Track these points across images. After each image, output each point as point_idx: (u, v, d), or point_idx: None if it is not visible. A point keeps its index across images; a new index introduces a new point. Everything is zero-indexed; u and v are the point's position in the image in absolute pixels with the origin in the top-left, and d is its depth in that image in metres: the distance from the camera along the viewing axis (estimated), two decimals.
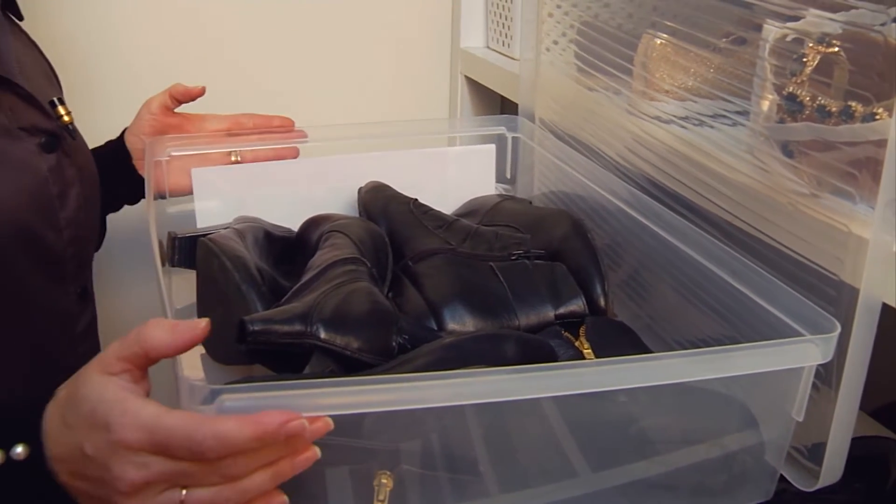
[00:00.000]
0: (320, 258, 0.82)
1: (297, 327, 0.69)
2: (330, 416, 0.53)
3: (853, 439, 0.79)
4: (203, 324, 0.56)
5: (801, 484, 0.69)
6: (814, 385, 0.67)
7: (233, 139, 1.04)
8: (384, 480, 0.57)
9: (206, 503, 0.54)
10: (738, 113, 0.78)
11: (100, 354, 0.59)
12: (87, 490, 0.58)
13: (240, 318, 0.68)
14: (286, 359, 0.74)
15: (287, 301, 0.75)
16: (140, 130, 1.05)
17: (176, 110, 1.06)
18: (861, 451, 0.77)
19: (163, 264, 0.94)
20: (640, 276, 0.91)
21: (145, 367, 0.58)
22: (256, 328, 0.68)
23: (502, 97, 1.36)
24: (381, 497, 0.57)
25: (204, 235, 0.87)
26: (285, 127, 1.07)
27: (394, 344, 0.71)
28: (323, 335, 0.69)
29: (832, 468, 0.67)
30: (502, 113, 1.45)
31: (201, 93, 1.04)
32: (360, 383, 0.52)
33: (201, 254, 0.84)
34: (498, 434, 0.61)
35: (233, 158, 1.05)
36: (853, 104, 0.60)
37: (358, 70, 1.44)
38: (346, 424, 0.58)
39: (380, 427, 0.58)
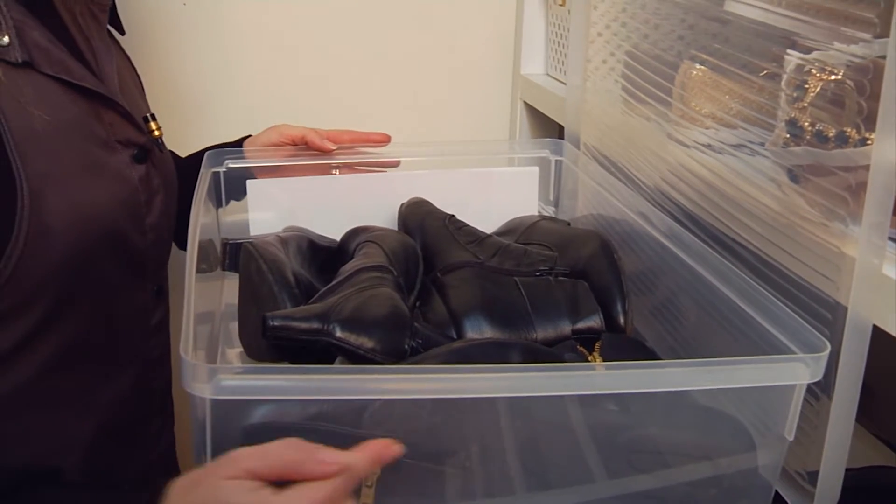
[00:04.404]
0: (350, 265, 0.87)
1: (315, 325, 0.73)
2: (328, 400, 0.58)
3: (863, 469, 0.79)
4: (345, 461, 0.58)
5: None
6: (812, 407, 0.68)
7: (285, 153, 1.11)
8: None
9: None
10: (761, 144, 0.79)
11: (227, 459, 0.60)
12: None
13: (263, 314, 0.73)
14: (311, 357, 0.79)
15: (313, 302, 0.80)
16: (259, 143, 1.14)
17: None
18: (867, 481, 0.77)
19: (212, 269, 1.01)
20: (670, 302, 0.93)
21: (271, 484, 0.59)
22: (276, 324, 0.72)
23: (561, 124, 1.39)
24: (368, 483, 0.60)
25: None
26: (379, 142, 1.14)
27: (406, 347, 0.75)
28: (338, 334, 0.73)
29: (828, 491, 0.67)
30: (560, 139, 1.48)
31: (328, 152, 1.11)
32: (336, 371, 0.56)
33: (243, 257, 0.90)
34: (487, 432, 0.64)
35: (333, 172, 1.13)
36: (848, 130, 0.61)
37: (422, 93, 1.49)
38: (346, 413, 0.62)
39: (376, 417, 0.62)
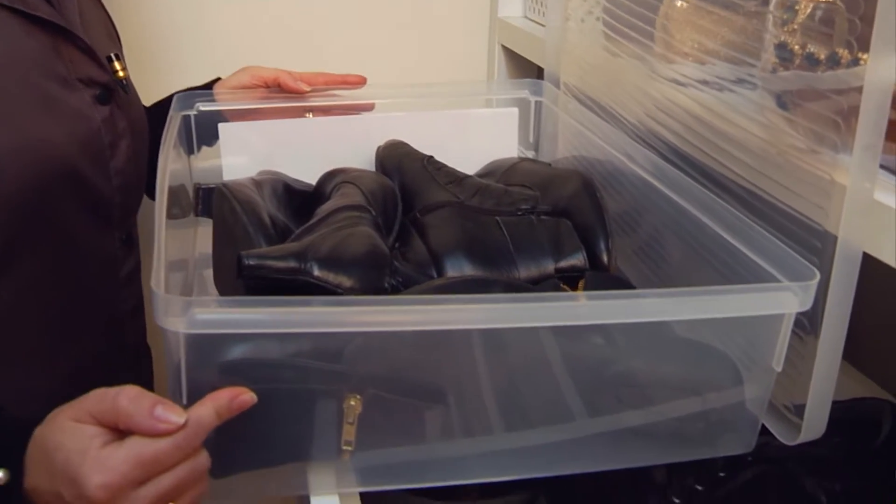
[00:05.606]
0: (327, 205, 0.85)
1: (292, 264, 0.71)
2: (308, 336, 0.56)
3: (848, 401, 0.79)
4: (182, 420, 0.56)
5: (784, 437, 0.68)
6: (800, 339, 0.67)
7: (258, 95, 1.08)
8: (353, 403, 0.59)
9: (191, 497, 0.58)
10: (749, 74, 0.77)
11: (78, 400, 0.60)
12: None
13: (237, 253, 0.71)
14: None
15: (290, 242, 0.78)
16: (230, 86, 1.09)
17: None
18: (854, 413, 0.77)
19: (185, 215, 0.98)
20: (655, 240, 0.91)
21: (115, 429, 0.58)
22: (252, 263, 0.70)
23: (539, 67, 1.37)
24: (350, 419, 0.59)
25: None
26: (355, 83, 1.10)
27: (386, 285, 0.73)
28: (316, 272, 0.71)
29: (814, 422, 0.67)
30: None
31: (303, 94, 1.07)
32: (311, 304, 0.54)
33: (216, 199, 0.87)
34: (470, 367, 0.63)
35: (307, 115, 1.09)
36: (840, 51, 0.60)
37: (396, 38, 1.46)
38: (326, 349, 0.60)
39: (356, 353, 0.61)
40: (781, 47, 0.64)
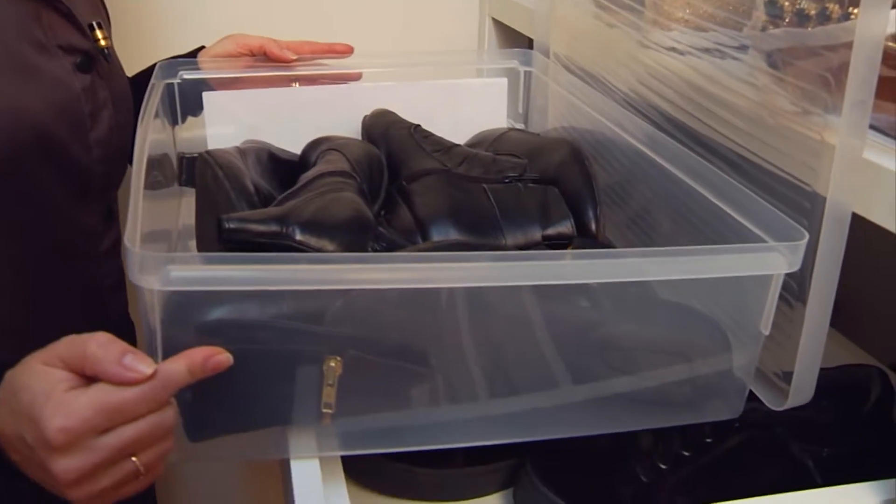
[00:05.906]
0: (311, 171, 0.83)
1: (273, 227, 0.70)
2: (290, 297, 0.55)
3: (836, 367, 0.78)
4: (150, 371, 0.55)
5: (771, 402, 0.68)
6: (789, 305, 0.66)
7: (243, 64, 1.06)
8: (333, 364, 0.58)
9: (155, 453, 0.57)
10: (742, 38, 0.76)
11: (51, 346, 0.59)
12: (35, 473, 0.59)
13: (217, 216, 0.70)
14: None
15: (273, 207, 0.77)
16: (214, 54, 1.08)
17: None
18: (842, 379, 0.76)
19: (168, 183, 0.96)
20: (645, 209, 0.90)
21: (83, 375, 0.57)
22: (232, 226, 0.69)
23: (530, 39, 1.35)
24: (330, 381, 0.58)
25: None
26: (342, 52, 1.08)
27: (370, 250, 0.72)
28: (298, 236, 0.70)
29: (802, 388, 0.66)
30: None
31: (289, 62, 1.06)
32: (291, 261, 0.53)
33: (199, 166, 0.86)
34: (454, 329, 0.62)
35: (293, 84, 1.07)
36: (830, 6, 0.58)
37: (385, 10, 1.44)
38: (308, 310, 0.59)
39: (338, 314, 0.59)
40: (772, 4, 0.63)
